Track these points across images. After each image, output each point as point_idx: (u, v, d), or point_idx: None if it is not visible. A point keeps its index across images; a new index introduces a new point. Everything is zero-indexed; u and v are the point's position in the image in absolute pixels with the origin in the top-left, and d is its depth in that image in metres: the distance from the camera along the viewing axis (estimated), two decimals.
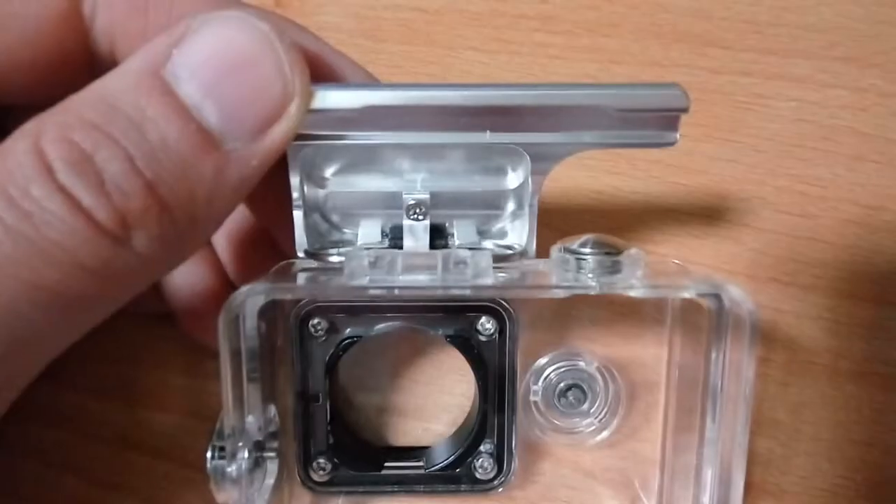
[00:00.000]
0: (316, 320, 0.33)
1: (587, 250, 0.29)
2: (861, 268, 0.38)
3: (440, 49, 0.41)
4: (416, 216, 0.30)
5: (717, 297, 0.29)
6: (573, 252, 0.29)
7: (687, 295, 0.31)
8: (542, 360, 0.36)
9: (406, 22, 0.41)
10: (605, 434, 0.36)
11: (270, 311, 0.32)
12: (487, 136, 0.28)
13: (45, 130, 0.23)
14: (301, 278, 0.30)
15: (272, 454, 0.32)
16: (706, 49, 0.40)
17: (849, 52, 0.39)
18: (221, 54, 0.24)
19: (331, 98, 0.27)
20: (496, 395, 0.34)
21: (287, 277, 0.30)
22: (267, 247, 0.35)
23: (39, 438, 0.38)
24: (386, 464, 0.36)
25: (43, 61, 0.28)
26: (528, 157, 0.29)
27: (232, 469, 0.28)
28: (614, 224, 0.39)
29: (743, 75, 0.40)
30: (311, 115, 0.27)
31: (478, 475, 0.35)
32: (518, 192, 0.31)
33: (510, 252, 0.31)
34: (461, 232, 0.31)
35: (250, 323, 0.29)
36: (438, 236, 0.31)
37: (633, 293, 0.29)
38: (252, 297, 0.28)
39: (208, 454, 0.28)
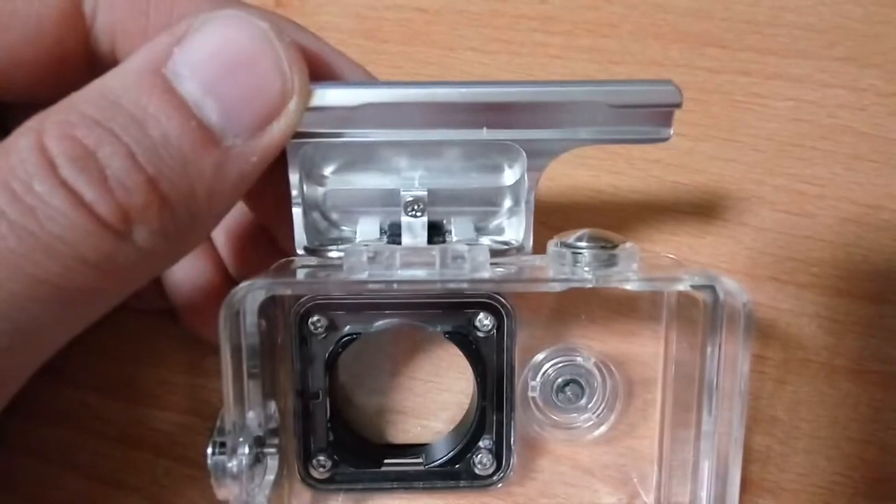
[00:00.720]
0: (315, 317, 0.33)
1: (583, 244, 0.29)
2: (859, 266, 0.38)
3: (440, 49, 0.41)
4: (413, 213, 0.30)
5: (711, 289, 0.29)
6: (569, 246, 0.29)
7: (682, 287, 0.31)
8: (540, 356, 0.36)
9: (406, 22, 0.41)
10: (602, 429, 0.36)
11: (271, 308, 0.32)
12: (484, 133, 0.28)
13: (48, 127, 0.23)
14: (301, 274, 0.30)
15: (272, 450, 0.32)
16: (705, 49, 0.40)
17: (847, 52, 0.39)
18: (222, 53, 0.25)
19: (329, 96, 0.27)
20: (494, 391, 0.34)
21: (287, 274, 0.30)
22: (266, 244, 0.35)
23: (40, 436, 0.38)
24: (385, 461, 0.36)
25: (44, 60, 0.29)
26: (525, 154, 0.29)
27: (232, 464, 0.28)
28: (613, 223, 0.39)
29: (742, 75, 0.40)
30: (310, 112, 0.27)
31: (477, 471, 0.35)
32: (514, 189, 0.31)
33: (507, 248, 0.31)
34: (459, 228, 0.31)
35: (250, 319, 0.29)
36: (436, 233, 0.31)
37: (628, 286, 0.30)
38: (252, 292, 0.28)
39: (209, 450, 0.28)
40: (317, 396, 0.34)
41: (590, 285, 0.29)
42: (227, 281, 0.36)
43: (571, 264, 0.29)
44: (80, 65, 0.30)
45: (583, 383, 0.36)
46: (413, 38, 0.41)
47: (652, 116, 0.28)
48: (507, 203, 0.32)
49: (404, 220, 0.30)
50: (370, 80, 0.33)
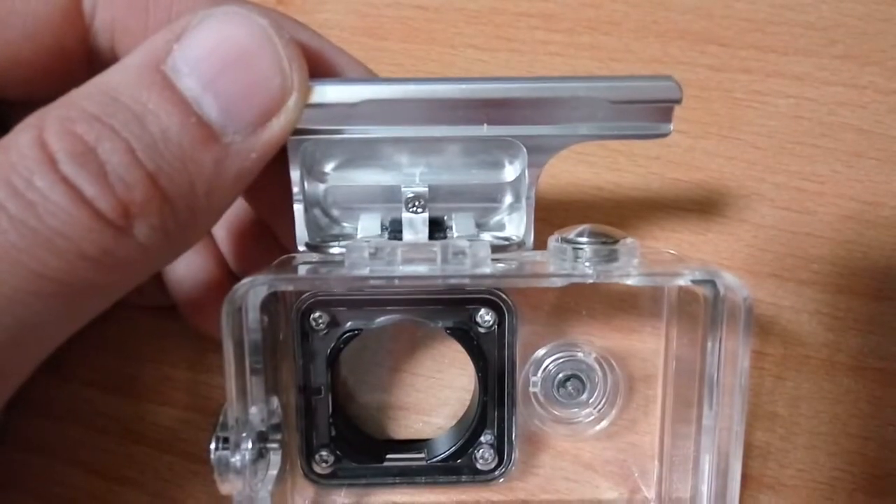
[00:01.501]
0: (317, 314, 0.34)
1: (584, 239, 0.29)
2: (859, 263, 0.38)
3: (441, 47, 0.41)
4: (414, 209, 0.30)
5: (712, 284, 0.29)
6: (570, 241, 0.29)
7: (682, 282, 0.31)
8: (541, 352, 0.36)
9: (406, 20, 0.41)
10: (603, 424, 0.37)
11: (273, 305, 0.32)
12: (485, 129, 0.28)
13: (48, 123, 0.23)
14: (302, 270, 0.30)
15: (275, 446, 0.32)
16: (706, 47, 0.40)
17: (848, 49, 0.39)
18: (221, 49, 0.25)
19: (329, 92, 0.27)
20: (496, 387, 0.34)
21: (289, 270, 0.30)
22: (267, 241, 0.35)
23: (42, 431, 0.38)
24: (388, 456, 0.36)
25: (43, 57, 0.29)
26: (525, 150, 0.29)
27: (235, 459, 0.28)
28: (614, 220, 0.39)
29: (742, 73, 0.40)
30: (310, 109, 0.27)
31: (479, 466, 0.35)
32: (515, 185, 0.31)
33: (508, 244, 0.31)
34: (460, 224, 0.31)
35: (253, 315, 0.29)
36: (437, 229, 0.31)
37: (629, 281, 0.30)
38: (254, 288, 0.28)
39: (212, 445, 0.28)
40: (319, 392, 0.34)
41: (591, 281, 0.29)
42: (229, 277, 0.36)
43: (572, 260, 0.29)
44: (79, 62, 0.30)
45: (584, 378, 0.36)
46: (413, 36, 0.41)
47: (652, 112, 0.28)
48: (508, 199, 0.32)
49: (405, 216, 0.31)
50: (370, 77, 0.33)
